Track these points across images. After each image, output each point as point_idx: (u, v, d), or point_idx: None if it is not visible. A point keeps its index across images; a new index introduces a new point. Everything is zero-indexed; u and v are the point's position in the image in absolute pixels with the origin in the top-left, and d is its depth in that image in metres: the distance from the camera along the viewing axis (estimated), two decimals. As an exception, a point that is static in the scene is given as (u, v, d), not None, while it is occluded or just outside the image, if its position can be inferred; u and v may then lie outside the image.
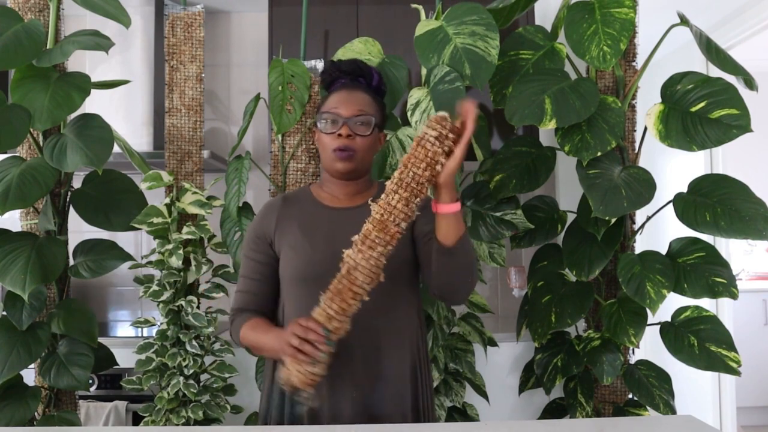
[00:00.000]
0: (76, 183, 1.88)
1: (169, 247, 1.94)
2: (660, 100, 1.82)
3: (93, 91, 1.72)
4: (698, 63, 2.99)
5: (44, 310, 1.79)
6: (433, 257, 1.30)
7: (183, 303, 1.94)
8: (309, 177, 2.11)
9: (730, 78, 1.82)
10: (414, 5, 2.04)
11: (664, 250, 1.87)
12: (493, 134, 2.38)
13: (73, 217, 1.85)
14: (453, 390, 2.11)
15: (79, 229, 2.04)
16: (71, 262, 1.89)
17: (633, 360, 1.98)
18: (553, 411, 2.13)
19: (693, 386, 3.18)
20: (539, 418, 2.17)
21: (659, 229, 2.50)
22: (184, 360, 1.91)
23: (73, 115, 1.73)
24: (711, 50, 1.84)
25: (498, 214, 1.99)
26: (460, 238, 1.26)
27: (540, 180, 1.96)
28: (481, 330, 2.15)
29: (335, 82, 1.46)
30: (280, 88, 2.03)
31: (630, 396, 1.98)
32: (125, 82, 1.94)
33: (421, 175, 1.18)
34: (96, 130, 1.70)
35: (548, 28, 2.03)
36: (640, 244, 1.99)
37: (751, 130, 1.68)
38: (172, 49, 2.14)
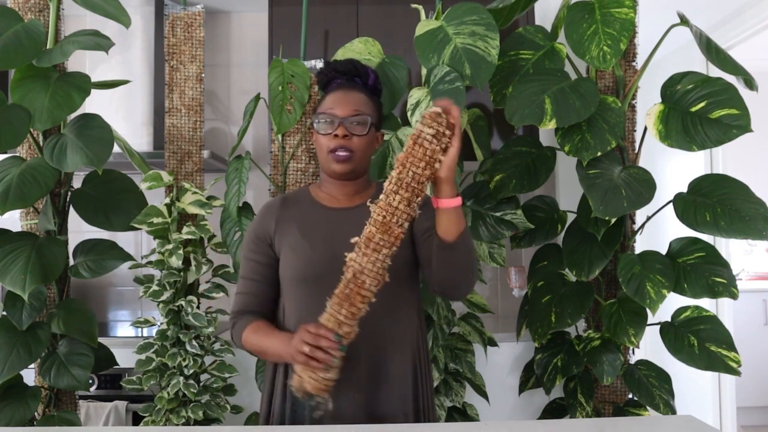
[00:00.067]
0: (76, 183, 1.88)
1: (169, 247, 1.94)
2: (660, 100, 1.82)
3: (93, 91, 1.72)
4: (698, 63, 2.99)
5: (44, 310, 1.79)
6: (433, 253, 1.30)
7: (183, 303, 1.94)
8: (309, 177, 2.11)
9: (730, 78, 1.82)
10: (414, 5, 2.04)
11: (664, 250, 1.87)
12: (493, 134, 2.38)
13: (73, 217, 1.85)
14: (453, 390, 2.11)
15: (79, 229, 2.04)
16: (71, 262, 1.89)
17: (633, 360, 1.98)
18: (553, 411, 2.13)
19: (693, 386, 3.18)
20: (539, 418, 2.17)
21: (659, 229, 2.50)
22: (184, 360, 1.91)
23: (73, 115, 1.73)
24: (711, 50, 1.84)
25: (498, 214, 1.99)
26: (461, 233, 1.26)
27: (540, 180, 1.96)
28: (481, 330, 2.15)
29: (331, 83, 1.46)
30: (280, 88, 2.03)
31: (630, 396, 1.98)
32: (125, 82, 1.94)
33: (421, 174, 1.18)
34: (96, 130, 1.70)
35: (548, 28, 2.03)
36: (640, 244, 1.99)
37: (751, 130, 1.68)
38: (172, 49, 2.14)
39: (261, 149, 2.77)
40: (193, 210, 1.97)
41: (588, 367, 1.95)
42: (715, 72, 2.64)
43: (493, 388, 2.23)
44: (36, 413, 1.80)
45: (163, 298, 1.93)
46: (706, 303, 2.15)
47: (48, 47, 1.77)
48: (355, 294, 1.18)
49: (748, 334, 3.80)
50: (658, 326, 1.86)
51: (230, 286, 2.11)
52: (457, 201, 1.24)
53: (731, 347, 1.75)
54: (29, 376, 1.85)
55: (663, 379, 1.88)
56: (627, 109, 1.95)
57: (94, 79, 1.77)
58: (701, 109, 1.73)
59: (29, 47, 1.64)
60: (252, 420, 2.10)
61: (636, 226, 1.98)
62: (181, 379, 1.90)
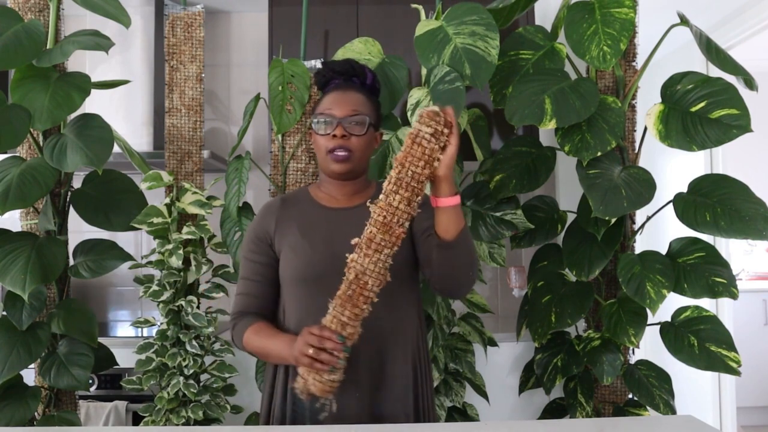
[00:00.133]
0: (76, 183, 1.88)
1: (169, 247, 1.94)
2: (660, 100, 1.82)
3: (93, 91, 1.72)
4: (698, 63, 2.99)
5: (44, 310, 1.79)
6: (433, 252, 1.30)
7: (183, 303, 1.94)
8: (309, 177, 2.11)
9: (730, 78, 1.82)
10: (414, 5, 2.04)
11: (664, 250, 1.87)
12: (493, 134, 2.38)
13: (73, 217, 1.85)
14: (453, 390, 2.11)
15: (79, 229, 2.04)
16: (71, 262, 1.89)
17: (633, 360, 1.98)
18: (553, 411, 2.13)
19: (693, 386, 3.18)
20: (539, 418, 2.17)
21: (659, 229, 2.50)
22: (184, 360, 1.91)
23: (73, 115, 1.73)
24: (711, 50, 1.85)
25: (498, 214, 1.99)
26: (461, 231, 1.26)
27: (540, 180, 1.96)
28: (481, 330, 2.15)
29: (329, 83, 1.46)
30: (280, 88, 2.03)
31: (630, 396, 1.98)
32: (125, 82, 1.94)
33: (421, 173, 1.18)
34: (96, 130, 1.70)
35: (548, 28, 2.03)
36: (640, 244, 1.99)
37: (751, 130, 1.68)
38: (172, 49, 2.14)
39: (261, 149, 2.77)
40: (193, 210, 1.97)
41: (588, 367, 1.95)
42: (715, 72, 2.64)
43: (493, 388, 2.23)
44: (36, 413, 1.80)
45: (163, 298, 1.93)
46: (706, 303, 2.15)
47: (48, 47, 1.77)
48: (357, 295, 1.18)
49: (748, 334, 3.80)
50: (658, 326, 1.86)
51: (230, 286, 2.11)
52: (456, 199, 1.24)
53: (731, 347, 1.75)
54: (29, 376, 1.85)
55: (663, 379, 1.88)
56: (627, 109, 1.95)
57: (94, 79, 1.77)
58: (701, 109, 1.73)
59: (29, 47, 1.64)
60: (252, 420, 2.10)
61: (636, 226, 1.98)
62: (181, 379, 1.90)
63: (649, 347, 2.60)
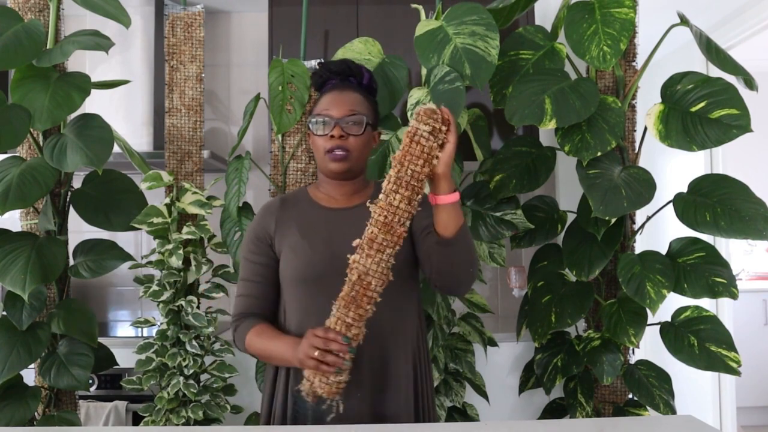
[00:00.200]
0: (76, 183, 1.87)
1: (169, 247, 1.94)
2: (660, 100, 1.82)
3: (93, 91, 1.72)
4: (698, 63, 2.99)
5: (44, 310, 1.79)
6: (433, 250, 1.30)
7: (183, 303, 1.94)
8: (309, 177, 2.11)
9: (730, 78, 1.82)
10: (414, 5, 2.04)
11: (664, 250, 1.87)
12: (493, 134, 2.38)
13: (73, 217, 1.85)
14: (453, 390, 2.11)
15: (79, 229, 2.04)
16: (71, 262, 1.89)
17: (633, 360, 1.98)
18: (553, 411, 2.13)
19: (693, 386, 3.18)
20: (539, 418, 2.17)
21: (659, 229, 2.50)
22: (184, 360, 1.91)
23: (73, 115, 1.73)
24: (711, 50, 1.85)
25: (498, 214, 1.99)
26: (460, 228, 1.26)
27: (540, 180, 1.96)
28: (481, 330, 2.16)
29: (326, 83, 1.46)
30: (280, 88, 2.03)
31: (630, 396, 1.98)
32: (125, 82, 1.94)
33: (420, 172, 1.18)
34: (96, 130, 1.70)
35: (548, 28, 2.03)
36: (640, 244, 1.99)
37: (751, 130, 1.68)
38: (172, 49, 2.14)
39: (261, 149, 2.77)
40: (193, 210, 1.97)
41: (588, 367, 1.95)
42: (715, 72, 2.64)
43: (493, 388, 2.23)
44: (36, 413, 1.80)
45: (163, 298, 1.93)
46: (706, 303, 2.15)
47: (48, 47, 1.77)
48: (361, 296, 1.18)
49: (748, 334, 3.80)
50: (658, 326, 1.86)
51: (230, 286, 2.12)
52: (455, 196, 1.24)
53: (731, 347, 1.75)
54: (29, 376, 1.85)
55: (663, 379, 1.88)
56: (627, 109, 1.95)
57: (94, 79, 1.77)
58: (701, 109, 1.73)
59: (29, 47, 1.64)
60: (252, 420, 2.10)
61: (636, 226, 1.98)
62: (181, 379, 1.90)
63: (649, 347, 2.60)
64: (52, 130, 1.81)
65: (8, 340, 1.68)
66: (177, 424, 1.88)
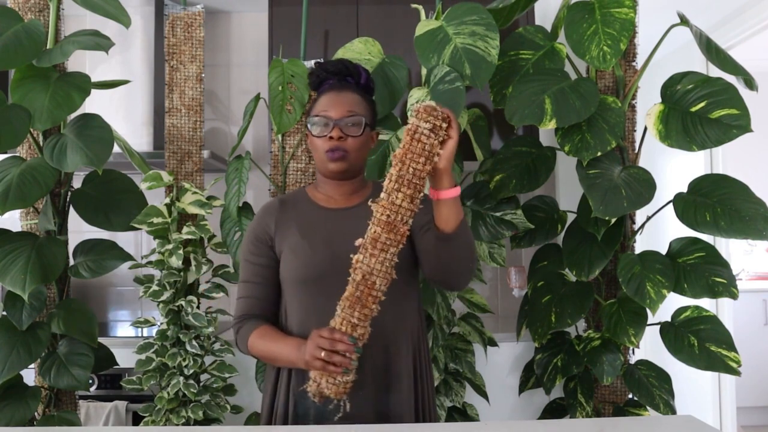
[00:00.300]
0: (76, 183, 1.87)
1: (169, 247, 1.94)
2: (660, 100, 1.82)
3: (93, 91, 1.72)
4: (698, 63, 2.99)
5: (44, 310, 1.79)
6: (433, 245, 1.30)
7: (183, 303, 1.94)
8: (309, 177, 2.11)
9: (730, 78, 1.82)
10: (414, 5, 2.04)
11: (664, 250, 1.87)
12: (493, 134, 2.38)
13: (73, 217, 1.85)
14: (453, 390, 2.11)
15: (79, 229, 2.04)
16: (71, 262, 1.89)
17: (633, 360, 1.98)
18: (553, 411, 2.13)
19: (693, 386, 3.18)
20: (539, 418, 2.17)
21: (659, 229, 2.50)
22: (184, 360, 1.91)
23: (73, 115, 1.73)
24: (711, 50, 1.85)
25: (498, 214, 1.99)
26: (460, 223, 1.26)
27: (540, 180, 1.96)
28: (481, 330, 2.15)
29: (323, 83, 1.45)
30: (280, 88, 2.03)
31: (630, 396, 1.98)
32: (125, 82, 1.94)
33: (422, 170, 1.17)
34: (96, 130, 1.70)
35: (548, 28, 2.03)
36: (640, 244, 1.99)
37: (751, 130, 1.68)
38: (172, 49, 2.14)
39: (261, 149, 2.77)
40: (193, 210, 1.97)
41: (588, 367, 1.95)
42: (715, 72, 2.64)
43: (493, 388, 2.23)
44: (36, 413, 1.80)
45: (163, 298, 1.93)
46: (706, 303, 2.15)
47: (48, 47, 1.77)
48: (366, 296, 1.18)
49: (748, 334, 3.80)
50: (658, 326, 1.86)
51: (230, 286, 2.12)
52: (456, 191, 1.24)
53: (731, 347, 1.75)
54: (29, 376, 1.85)
55: (663, 379, 1.88)
56: (627, 109, 1.95)
57: (94, 79, 1.77)
58: (701, 109, 1.73)
59: (29, 47, 1.64)
60: (252, 420, 2.10)
61: (636, 226, 1.98)
62: (181, 379, 1.90)
63: (649, 347, 2.60)
64: (52, 130, 1.81)
65: (8, 340, 1.68)
66: (177, 424, 1.88)
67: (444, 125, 1.18)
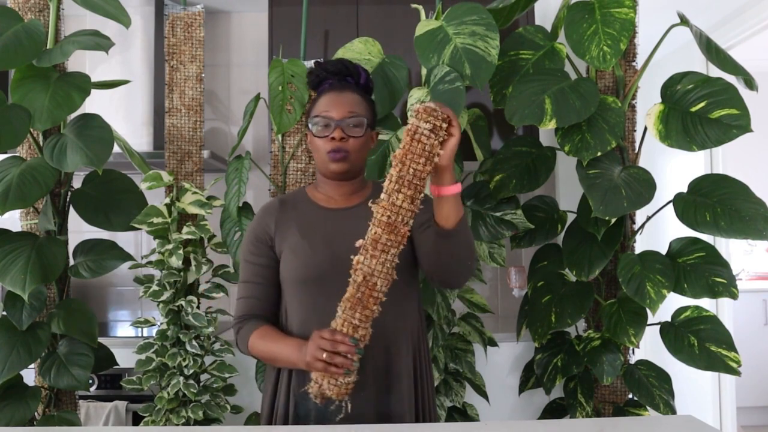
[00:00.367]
0: (76, 183, 1.87)
1: (169, 247, 1.94)
2: (660, 100, 1.82)
3: (93, 91, 1.72)
4: (698, 63, 2.99)
5: (44, 310, 1.79)
6: (433, 242, 1.29)
7: (183, 303, 1.94)
8: (309, 177, 2.11)
9: (730, 78, 1.82)
10: (414, 5, 2.04)
11: (664, 250, 1.87)
12: (493, 134, 2.38)
13: (73, 217, 1.85)
14: (453, 390, 2.11)
15: (79, 229, 2.04)
16: (71, 262, 1.89)
17: (633, 360, 1.98)
18: (553, 411, 2.13)
19: (693, 386, 3.18)
20: (539, 418, 2.17)
21: (659, 229, 2.50)
22: (184, 360, 1.91)
23: (73, 115, 1.73)
24: (711, 50, 1.85)
25: (498, 214, 1.99)
26: (461, 220, 1.26)
27: (540, 180, 1.96)
28: (481, 330, 2.15)
29: (323, 83, 1.45)
30: (280, 88, 2.03)
31: (630, 396, 1.98)
32: (125, 82, 1.94)
33: (422, 170, 1.17)
34: (96, 130, 1.70)
35: (548, 28, 2.03)
36: (640, 244, 1.99)
37: (751, 130, 1.68)
38: (172, 49, 2.14)
39: (261, 149, 2.77)
40: (193, 210, 1.97)
41: (588, 367, 1.95)
42: (715, 72, 2.64)
43: (493, 388, 2.23)
44: (36, 413, 1.80)
45: (163, 298, 1.93)
46: (706, 303, 2.15)
47: (48, 47, 1.77)
48: (367, 297, 1.18)
49: (748, 334, 3.80)
50: (658, 326, 1.86)
51: (230, 286, 2.12)
52: (457, 187, 1.24)
53: (731, 347, 1.75)
54: (29, 376, 1.85)
55: (663, 379, 1.88)
56: (627, 109, 1.95)
57: (94, 79, 1.77)
58: (701, 109, 1.73)
59: (29, 47, 1.64)
60: (252, 420, 2.10)
61: (636, 226, 1.98)
62: (181, 379, 1.90)
63: (649, 347, 2.60)
64: (52, 130, 1.81)
65: (8, 340, 1.68)
66: (177, 424, 1.88)
67: (444, 125, 1.17)
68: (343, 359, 1.17)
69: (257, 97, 2.10)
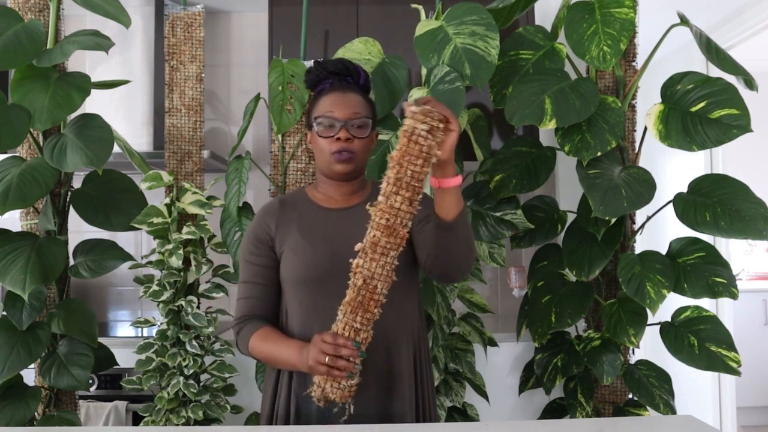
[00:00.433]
0: (76, 183, 1.87)
1: (169, 247, 1.94)
2: (660, 100, 1.82)
3: (93, 91, 1.72)
4: (698, 63, 2.99)
5: (44, 310, 1.79)
6: (433, 236, 1.29)
7: (183, 303, 1.94)
8: (309, 177, 2.11)
9: (730, 78, 1.82)
10: (414, 5, 2.04)
11: (664, 250, 1.87)
12: (493, 134, 2.38)
13: (73, 217, 1.85)
14: (453, 390, 2.11)
15: (79, 229, 2.04)
16: (71, 262, 1.89)
17: (633, 360, 1.98)
18: (553, 411, 2.13)
19: (693, 386, 3.18)
20: (539, 418, 2.17)
21: (659, 229, 2.50)
22: (184, 360, 1.91)
23: (73, 115, 1.73)
24: (711, 50, 1.85)
25: (498, 214, 1.99)
26: (461, 212, 1.26)
27: (540, 180, 1.96)
28: (481, 330, 2.15)
29: (322, 83, 1.44)
30: (280, 88, 2.03)
31: (630, 396, 1.98)
32: (125, 82, 1.94)
33: (420, 172, 1.16)
34: (96, 130, 1.70)
35: (548, 28, 2.03)
36: (640, 244, 1.99)
37: (751, 130, 1.68)
38: (172, 49, 2.14)
39: (261, 149, 2.77)
40: (193, 210, 1.97)
41: (588, 367, 1.95)
42: (715, 72, 2.64)
43: (493, 388, 2.23)
44: (36, 413, 1.80)
45: (163, 298, 1.93)
46: (706, 303, 2.15)
47: (48, 47, 1.77)
48: (368, 300, 1.18)
49: (748, 334, 3.80)
50: (658, 326, 1.86)
51: (230, 286, 2.12)
52: (458, 180, 1.24)
53: (731, 347, 1.75)
54: (29, 376, 1.85)
55: (663, 379, 1.88)
56: (627, 109, 1.95)
57: (94, 79, 1.77)
58: (701, 109, 1.73)
59: (29, 47, 1.64)
60: (252, 420, 2.10)
61: (636, 226, 1.98)
62: (181, 379, 1.90)
63: (649, 347, 2.60)
64: (52, 130, 1.81)
65: (8, 340, 1.68)
66: (177, 424, 1.88)
67: (441, 125, 1.16)
68: (345, 363, 1.17)
69: (257, 97, 2.10)
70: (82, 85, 1.67)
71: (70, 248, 1.90)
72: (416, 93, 1.84)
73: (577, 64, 1.97)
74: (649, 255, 1.82)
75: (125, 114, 2.53)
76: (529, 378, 2.17)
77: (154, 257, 1.99)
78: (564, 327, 1.93)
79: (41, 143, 1.80)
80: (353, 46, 2.02)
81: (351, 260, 1.20)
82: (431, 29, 1.83)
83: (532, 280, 2.06)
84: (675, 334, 1.81)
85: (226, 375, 1.96)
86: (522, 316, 2.14)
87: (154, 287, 1.94)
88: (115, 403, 2.15)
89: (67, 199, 1.86)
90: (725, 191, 1.76)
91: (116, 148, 1.84)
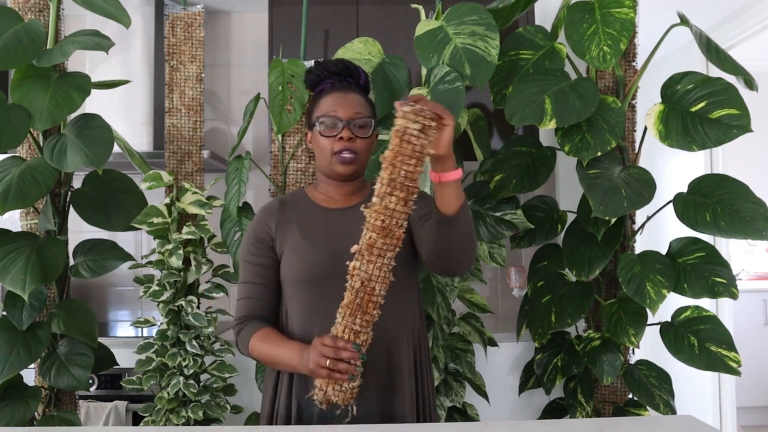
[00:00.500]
0: (76, 183, 1.88)
1: (169, 247, 1.94)
2: (660, 100, 1.82)
3: (93, 91, 1.72)
4: (698, 63, 2.99)
5: (44, 310, 1.79)
6: (434, 231, 1.28)
7: (183, 303, 1.94)
8: (309, 177, 2.11)
9: (730, 78, 1.82)
10: (414, 5, 2.04)
11: (664, 250, 1.87)
12: (493, 134, 2.38)
13: (73, 217, 1.85)
14: (453, 390, 2.11)
15: (79, 229, 2.04)
16: (71, 262, 1.89)
17: (633, 360, 1.98)
18: (553, 411, 2.13)
19: (693, 386, 3.18)
20: (539, 418, 2.17)
21: (659, 229, 2.50)
22: (184, 360, 1.91)
23: (73, 115, 1.73)
24: (711, 50, 1.85)
25: (498, 214, 1.99)
26: (462, 205, 1.25)
27: (540, 180, 1.96)
28: (481, 330, 2.15)
29: (322, 83, 1.44)
30: (280, 88, 2.03)
31: (630, 396, 1.98)
32: (125, 82, 1.94)
33: (413, 171, 1.15)
34: (96, 130, 1.70)
35: (548, 28, 2.03)
36: (640, 244, 1.99)
37: (751, 130, 1.68)
38: (172, 49, 2.14)
39: (261, 149, 2.77)
40: (193, 210, 1.97)
41: (588, 367, 1.95)
42: (715, 72, 2.64)
43: (493, 388, 2.23)
44: (36, 413, 1.80)
45: (163, 298, 1.93)
46: (706, 303, 2.15)
47: (48, 47, 1.77)
48: (366, 302, 1.17)
49: (748, 334, 3.80)
50: (658, 326, 1.86)
51: (230, 286, 2.12)
52: (458, 173, 1.23)
53: (731, 347, 1.75)
54: (29, 376, 1.85)
55: (663, 379, 1.88)
56: (627, 109, 1.95)
57: (94, 79, 1.77)
58: (701, 109, 1.73)
59: (29, 47, 1.64)
60: (252, 420, 2.10)
61: (636, 226, 1.98)
62: (181, 379, 1.90)
63: (649, 347, 2.60)
64: (52, 130, 1.81)
65: (8, 340, 1.68)
66: (177, 424, 1.88)
67: (433, 124, 1.15)
68: (346, 365, 1.17)
69: (257, 97, 2.10)
70: (82, 85, 1.67)
71: (70, 248, 1.90)
72: (416, 93, 1.84)
73: (577, 64, 1.97)
74: (649, 255, 1.82)
75: (125, 114, 2.53)
76: (529, 378, 2.17)
77: (154, 257, 1.99)
78: (564, 327, 1.93)
79: (41, 143, 1.80)
80: (353, 46, 2.02)
81: (348, 263, 1.20)
82: (431, 29, 1.83)
83: (532, 280, 2.06)
84: (675, 334, 1.81)
85: (226, 375, 1.96)
86: (522, 316, 2.14)
87: (154, 287, 1.94)
88: (115, 403, 2.15)
89: (67, 199, 1.86)
90: (725, 191, 1.76)
91: (116, 148, 1.84)
